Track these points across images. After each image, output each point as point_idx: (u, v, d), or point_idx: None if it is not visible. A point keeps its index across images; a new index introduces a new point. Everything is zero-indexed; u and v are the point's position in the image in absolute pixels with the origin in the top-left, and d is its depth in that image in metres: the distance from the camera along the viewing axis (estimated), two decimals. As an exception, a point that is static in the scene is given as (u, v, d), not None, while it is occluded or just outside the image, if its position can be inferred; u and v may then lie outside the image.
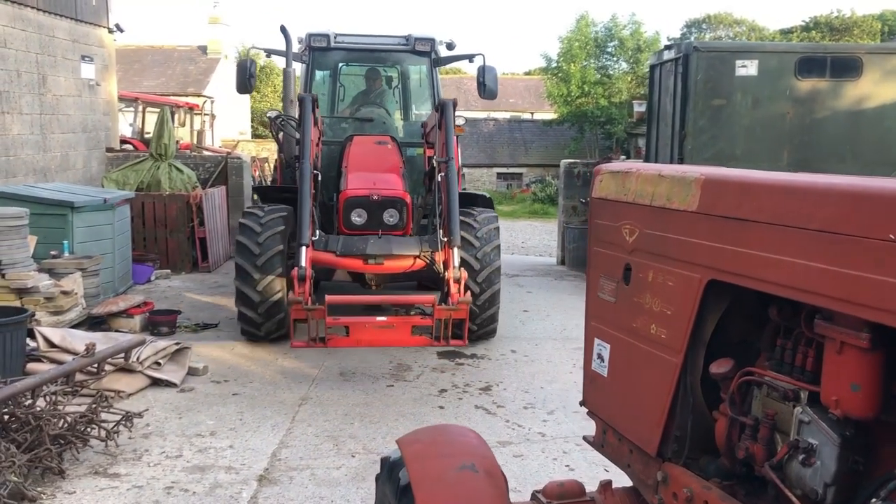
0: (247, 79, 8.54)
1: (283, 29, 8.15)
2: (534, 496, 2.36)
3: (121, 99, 21.07)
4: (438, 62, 9.37)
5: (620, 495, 2.39)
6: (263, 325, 7.23)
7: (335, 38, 8.82)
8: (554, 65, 34.20)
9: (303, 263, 6.27)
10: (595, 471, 4.69)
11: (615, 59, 35.20)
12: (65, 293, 7.45)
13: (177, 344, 6.47)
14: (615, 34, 34.05)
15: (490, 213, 7.74)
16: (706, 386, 2.06)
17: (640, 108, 14.11)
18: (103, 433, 4.79)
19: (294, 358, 7.02)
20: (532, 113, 44.26)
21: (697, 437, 2.08)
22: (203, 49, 33.54)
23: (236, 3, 78.09)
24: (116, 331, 7.54)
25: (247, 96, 39.07)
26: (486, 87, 8.71)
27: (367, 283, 7.69)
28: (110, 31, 12.42)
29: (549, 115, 37.52)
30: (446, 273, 6.43)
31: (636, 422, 2.22)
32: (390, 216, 7.11)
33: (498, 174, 36.70)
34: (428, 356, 7.16)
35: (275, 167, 10.22)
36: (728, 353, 1.98)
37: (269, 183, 22.69)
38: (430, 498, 2.02)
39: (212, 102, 28.95)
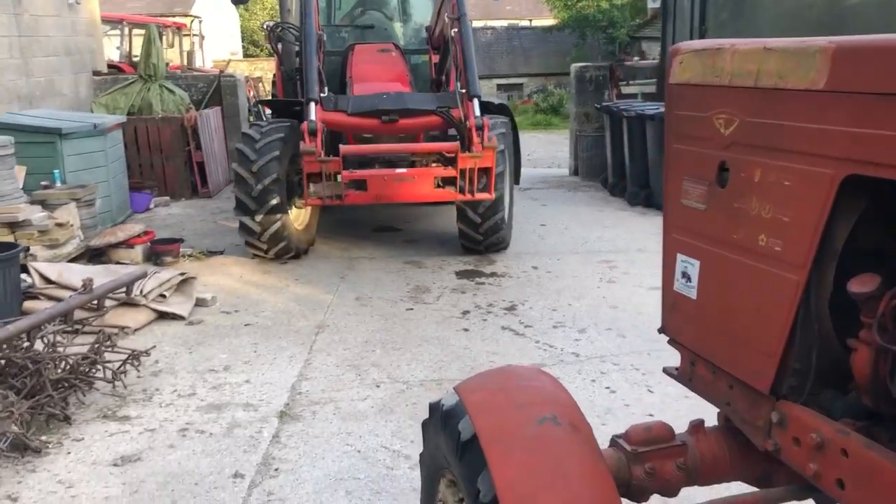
0: None
1: None
2: (614, 442, 2.01)
3: (105, 21, 20.13)
4: None
5: (717, 438, 2.03)
6: (269, 250, 7.08)
7: None
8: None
9: (312, 117, 6.01)
10: (637, 392, 4.38)
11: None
12: (59, 225, 7.04)
13: (182, 274, 6.11)
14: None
15: (499, 118, 7.30)
16: (834, 308, 1.67)
17: (653, 4, 13.33)
18: (109, 374, 4.46)
19: (306, 283, 6.67)
20: (531, 20, 42.83)
21: (822, 370, 1.71)
22: (187, -34, 32.09)
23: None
24: (117, 263, 7.17)
25: (236, 15, 37.77)
26: None
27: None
28: (87, -56, 11.61)
29: (549, 22, 36.24)
30: (467, 122, 6.10)
31: (740, 352, 1.84)
32: None
33: (498, 85, 35.63)
34: (446, 277, 6.80)
35: (273, 82, 9.69)
36: (864, 268, 1.58)
37: (261, 105, 22.17)
38: (508, 459, 1.67)
39: (200, 22, 27.85)
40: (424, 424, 2.18)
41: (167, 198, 10.35)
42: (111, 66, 15.94)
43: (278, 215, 6.83)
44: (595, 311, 5.81)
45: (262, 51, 41.94)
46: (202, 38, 26.50)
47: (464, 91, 6.39)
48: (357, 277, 6.82)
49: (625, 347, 5.10)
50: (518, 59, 36.17)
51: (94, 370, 4.42)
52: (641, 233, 8.14)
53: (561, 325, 5.55)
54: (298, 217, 7.44)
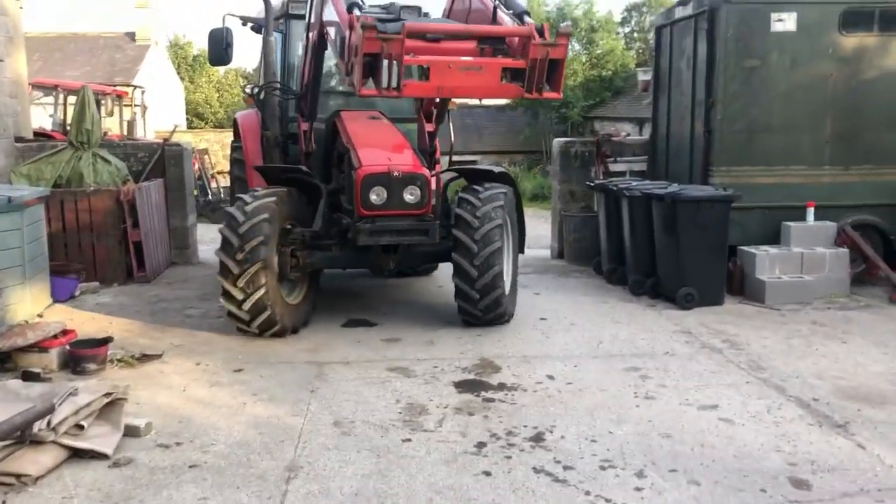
0: (223, 49, 7.66)
1: None
2: None
3: (38, 87, 18.74)
4: None
5: None
6: (252, 322, 6.53)
7: None
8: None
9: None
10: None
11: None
12: (-49, 325, 5.57)
13: (107, 395, 4.66)
14: (567, 14, 32.81)
15: (497, 188, 6.98)
16: None
17: (645, 76, 12.58)
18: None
19: (268, 400, 5.28)
20: (480, 98, 42.79)
21: None
22: (131, 35, 30.99)
23: (165, -10, 74.41)
24: (25, 372, 5.67)
25: (180, 87, 36.61)
26: None
27: (381, 267, 7.14)
28: (15, -3, 10.33)
29: (499, 101, 36.06)
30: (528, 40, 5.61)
31: None
32: (411, 194, 6.54)
33: (451, 163, 35.01)
34: (444, 389, 5.49)
35: (232, 156, 8.73)
36: None
37: (207, 178, 20.85)
38: None
39: (143, 92, 26.57)
40: None
41: (96, 283, 8.85)
42: (42, 134, 14.50)
43: (263, 281, 6.34)
44: (646, 442, 4.56)
45: (206, 123, 40.82)
46: (144, 108, 25.18)
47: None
48: (331, 391, 5.46)
49: (705, 500, 3.85)
50: (471, 136, 35.67)
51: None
52: (661, 331, 6.99)
53: (609, 464, 4.27)
54: (291, 291, 6.97)
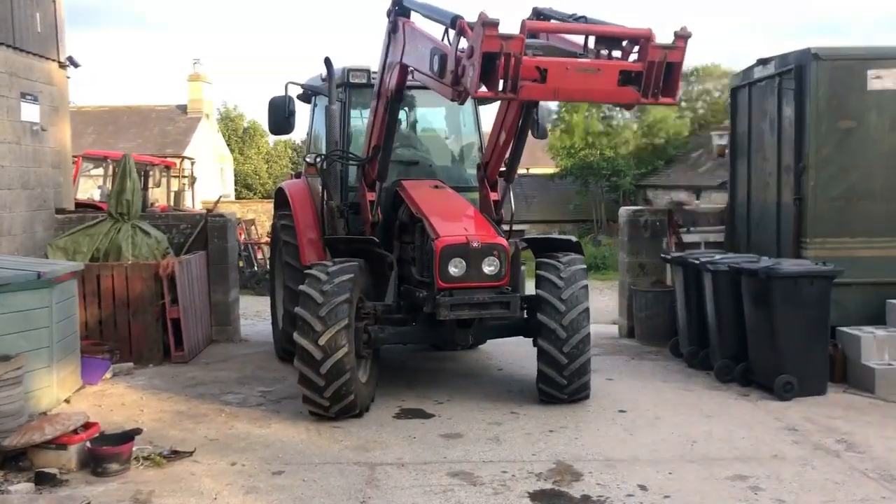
0: (285, 118, 7.50)
1: (327, 61, 7.35)
2: None
3: (89, 159, 18.77)
4: (483, 100, 7.87)
5: None
6: (326, 388, 6.00)
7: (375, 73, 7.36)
8: (555, 116, 32.28)
9: None
10: None
11: (618, 108, 33.63)
12: (-41, 418, 4.93)
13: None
14: (617, 83, 32.23)
15: (578, 264, 6.75)
16: None
17: (721, 140, 11.84)
18: None
19: (311, 514, 4.50)
20: (528, 168, 42.53)
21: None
22: (182, 108, 31.47)
23: (218, 61, 76.41)
24: (39, 473, 4.98)
25: (229, 159, 36.96)
26: (539, 125, 7.25)
27: (458, 342, 6.82)
28: (62, 66, 10.09)
29: (547, 170, 35.59)
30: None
31: None
32: (490, 265, 6.25)
33: (510, 233, 34.41)
34: (516, 502, 4.63)
35: (280, 225, 8.19)
36: None
37: (252, 249, 20.53)
38: None
39: (192, 164, 26.66)
40: None
41: (130, 364, 8.22)
42: (90, 205, 14.27)
43: (347, 367, 6.01)
44: (779, 583, 3.64)
45: (255, 194, 41.07)
46: (193, 179, 25.18)
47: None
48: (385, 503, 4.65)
49: None
50: (519, 205, 35.13)
51: None
52: (761, 427, 6.05)
53: None
54: (359, 369, 6.49)
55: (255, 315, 13.02)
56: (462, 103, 5.77)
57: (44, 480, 4.93)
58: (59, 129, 10.06)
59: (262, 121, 48.90)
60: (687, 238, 9.69)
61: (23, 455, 5.24)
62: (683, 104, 39.18)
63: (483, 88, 4.98)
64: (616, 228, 29.46)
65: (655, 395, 7.04)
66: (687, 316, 8.21)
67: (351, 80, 7.74)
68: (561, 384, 6.43)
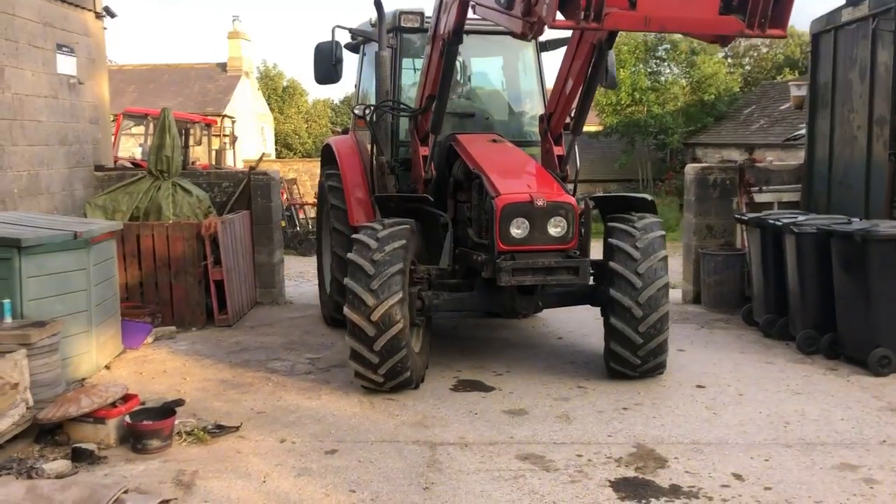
0: (332, 65, 6.97)
1: (377, 3, 6.72)
2: None
3: (129, 116, 18.46)
4: (546, 46, 7.61)
5: None
6: (381, 366, 5.52)
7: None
8: (605, 69, 31.08)
9: None
10: None
11: (666, 63, 32.49)
12: (-10, 389, 4.58)
13: None
14: (667, 37, 31.09)
15: (652, 218, 6.19)
16: None
17: (798, 91, 11.04)
18: None
19: (369, 501, 4.06)
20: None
21: None
22: (223, 66, 31.06)
23: (257, 18, 75.65)
24: (76, 449, 4.63)
25: (269, 117, 36.54)
26: (609, 73, 6.74)
27: (520, 310, 6.20)
28: (98, 16, 9.63)
29: (590, 128, 34.59)
30: None
31: None
32: (557, 226, 5.67)
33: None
34: (597, 492, 4.15)
35: (327, 184, 7.68)
36: None
37: (295, 209, 20.15)
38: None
39: (232, 122, 26.30)
40: None
41: (173, 328, 7.89)
42: (133, 163, 13.97)
43: (403, 343, 5.50)
44: None
45: (294, 154, 40.71)
46: (234, 138, 24.84)
47: None
48: (451, 490, 4.19)
49: None
50: (563, 164, 34.37)
51: None
52: (860, 407, 5.46)
53: None
54: (413, 337, 5.95)
55: (298, 276, 12.66)
56: (534, 38, 5.13)
57: (80, 457, 4.59)
58: (97, 82, 9.65)
59: (302, 79, 48.40)
60: (759, 198, 9.00)
61: (59, 428, 4.91)
62: (730, 60, 37.80)
63: (561, 17, 4.37)
64: (663, 188, 28.43)
65: (734, 368, 6.48)
66: (764, 281, 7.59)
67: (403, 24, 7.11)
68: (634, 364, 5.88)
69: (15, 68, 7.82)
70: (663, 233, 6.03)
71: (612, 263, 5.82)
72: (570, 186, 6.87)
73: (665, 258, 5.89)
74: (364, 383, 5.75)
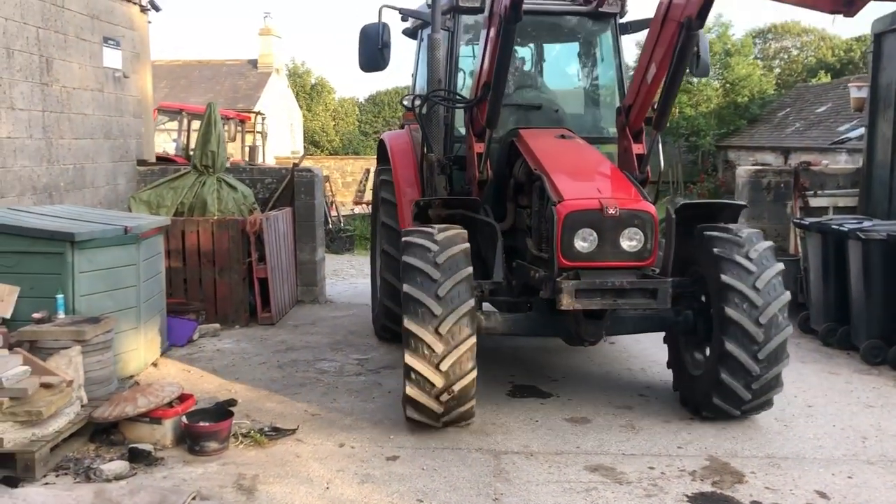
0: (378, 49, 6.04)
1: None
2: None
3: (164, 111, 18.46)
4: (627, 28, 6.62)
5: None
6: (445, 390, 4.66)
7: None
8: (631, 72, 30.80)
9: None
10: None
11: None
12: (47, 386, 4.48)
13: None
14: (701, 38, 30.61)
15: (752, 230, 5.34)
16: None
17: (858, 92, 10.77)
18: None
19: (439, 512, 3.92)
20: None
21: None
22: (253, 63, 31.09)
23: (288, 15, 75.75)
24: (133, 449, 4.53)
25: (298, 114, 36.56)
26: (700, 59, 5.93)
27: (586, 337, 5.26)
28: (143, 10, 9.59)
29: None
30: None
31: None
32: (632, 239, 4.85)
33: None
34: (677, 507, 3.98)
35: (369, 184, 7.36)
36: None
37: (328, 206, 20.00)
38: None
39: (263, 118, 26.30)
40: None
41: (216, 325, 7.79)
42: (165, 159, 13.92)
43: (472, 364, 4.68)
44: None
45: (322, 151, 40.69)
46: (265, 134, 24.81)
47: None
48: (521, 502, 4.03)
49: None
50: (593, 165, 34.08)
51: None
52: (939, 422, 5.24)
53: None
54: None
55: (332, 274, 12.52)
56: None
57: (137, 458, 4.48)
58: (141, 76, 9.60)
59: (330, 77, 48.20)
60: (814, 202, 8.77)
61: (113, 427, 4.82)
62: (760, 62, 37.26)
63: None
64: (695, 190, 27.94)
65: (798, 378, 6.26)
66: (823, 288, 7.35)
67: (461, 4, 6.23)
68: (743, 399, 4.96)
69: (63, 61, 7.77)
70: (772, 244, 5.19)
71: (724, 277, 4.89)
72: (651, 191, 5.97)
73: (781, 271, 5.01)
74: (416, 414, 4.86)
